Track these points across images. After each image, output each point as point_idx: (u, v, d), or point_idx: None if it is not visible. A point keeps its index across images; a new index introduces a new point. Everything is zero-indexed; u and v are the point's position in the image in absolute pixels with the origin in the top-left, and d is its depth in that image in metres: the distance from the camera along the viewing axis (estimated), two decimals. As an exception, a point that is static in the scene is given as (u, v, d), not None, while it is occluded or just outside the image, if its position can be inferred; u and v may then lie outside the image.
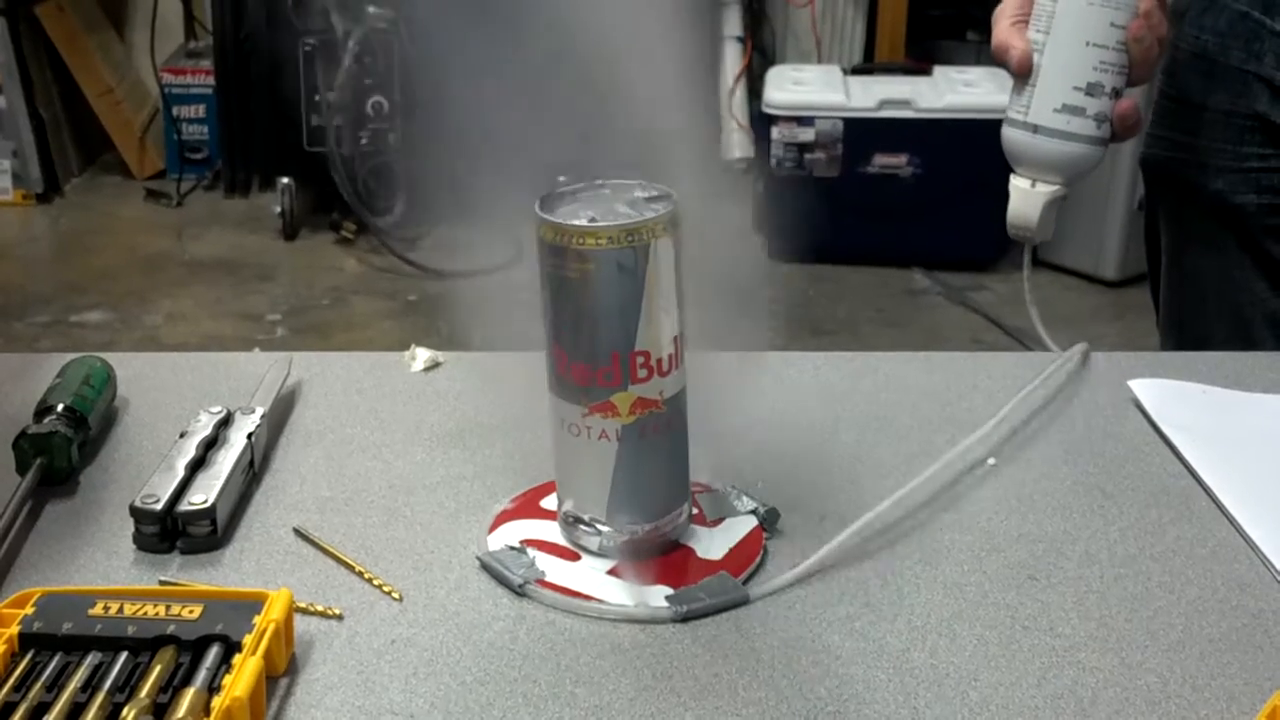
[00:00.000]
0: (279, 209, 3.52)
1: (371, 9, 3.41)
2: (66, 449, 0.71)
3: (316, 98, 3.42)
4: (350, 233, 3.49)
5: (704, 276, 0.64)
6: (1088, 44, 0.87)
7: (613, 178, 0.65)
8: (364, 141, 3.45)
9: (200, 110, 3.88)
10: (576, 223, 0.60)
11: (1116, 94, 0.88)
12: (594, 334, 0.61)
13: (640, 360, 0.61)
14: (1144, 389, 0.83)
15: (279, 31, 3.48)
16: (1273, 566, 0.66)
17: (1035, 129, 0.88)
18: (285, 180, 3.51)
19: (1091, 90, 0.87)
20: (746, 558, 0.66)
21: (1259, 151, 1.02)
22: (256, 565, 0.65)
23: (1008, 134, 0.90)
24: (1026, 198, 0.90)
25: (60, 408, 0.73)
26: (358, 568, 0.64)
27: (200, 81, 3.86)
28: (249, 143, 3.76)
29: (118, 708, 0.52)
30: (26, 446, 0.70)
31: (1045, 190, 0.89)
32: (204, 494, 0.67)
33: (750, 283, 0.73)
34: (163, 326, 3.08)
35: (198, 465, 0.69)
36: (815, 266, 3.45)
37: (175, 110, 3.88)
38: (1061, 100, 0.87)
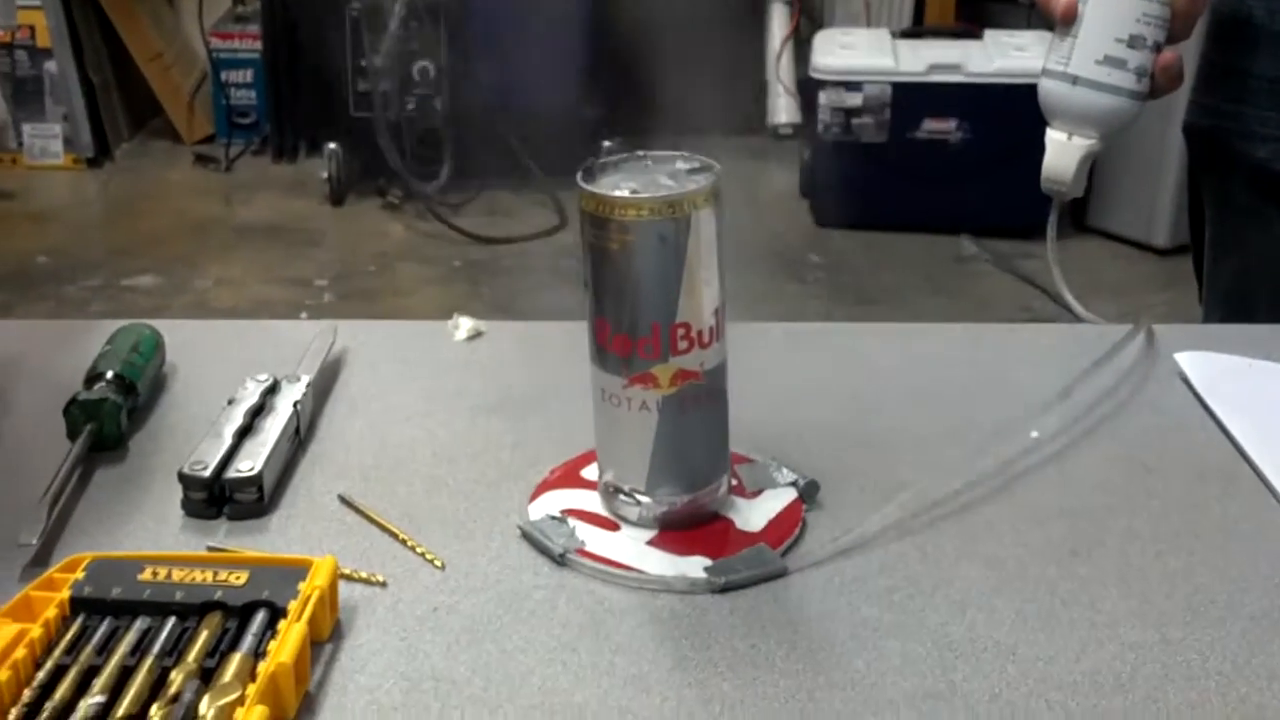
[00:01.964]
0: (326, 174, 3.54)
1: (418, -26, 3.41)
2: (116, 415, 0.72)
3: (363, 63, 3.44)
4: (396, 199, 3.51)
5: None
6: None
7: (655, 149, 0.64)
8: (410, 107, 3.47)
9: (248, 75, 3.91)
10: (618, 194, 0.60)
11: (1158, 48, 0.87)
12: (635, 305, 0.61)
13: (681, 332, 0.62)
14: (1190, 362, 0.82)
15: (326, -4, 3.49)
16: (1318, 543, 0.65)
17: (1075, 80, 0.87)
18: (332, 146, 3.52)
19: (1134, 43, 0.86)
20: (785, 530, 0.66)
21: None
22: (302, 532, 0.66)
23: (1046, 86, 0.89)
24: (1063, 150, 0.89)
25: (110, 375, 0.74)
26: (401, 535, 0.65)
27: (248, 46, 3.88)
28: (296, 108, 3.78)
29: (165, 671, 0.53)
30: (77, 413, 0.72)
31: (1082, 144, 0.88)
32: (251, 461, 0.68)
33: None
34: (211, 291, 3.11)
35: (245, 433, 0.70)
36: (862, 233, 3.44)
37: (223, 75, 3.91)
38: (1104, 52, 0.86)
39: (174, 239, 3.38)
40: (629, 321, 0.62)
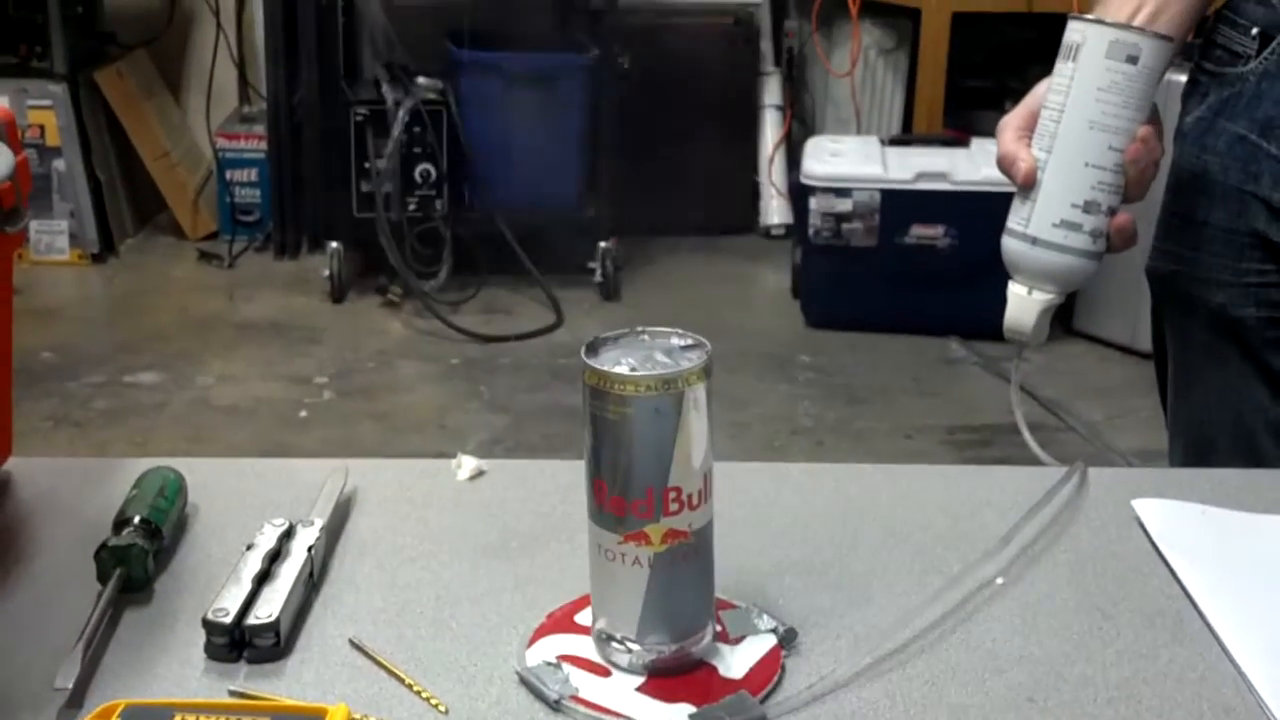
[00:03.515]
0: (327, 272, 3.61)
1: (421, 80, 3.52)
2: (144, 560, 0.77)
3: (366, 165, 3.53)
4: (396, 296, 3.58)
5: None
6: (1087, 165, 0.93)
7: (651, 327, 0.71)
8: (411, 207, 3.55)
9: (253, 174, 4.00)
10: (618, 370, 0.66)
11: (1112, 211, 0.94)
12: (630, 470, 0.67)
13: (672, 495, 0.67)
14: (1146, 509, 0.88)
15: (331, 100, 3.59)
16: (1256, 691, 0.70)
17: (1034, 241, 0.94)
18: (334, 244, 3.60)
19: (1088, 208, 0.93)
20: (765, 676, 0.71)
21: (1258, 268, 1.07)
22: (316, 676, 0.71)
23: (1007, 244, 0.96)
24: (1023, 304, 0.96)
25: (137, 520, 0.80)
26: (407, 680, 0.70)
27: (253, 147, 3.98)
28: (299, 207, 3.87)
29: (194, 816, 0.58)
30: (107, 558, 0.77)
31: (1041, 298, 0.95)
32: (269, 608, 0.73)
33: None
34: (214, 388, 3.17)
35: (263, 578, 0.76)
36: (852, 334, 3.51)
37: (228, 174, 3.99)
38: (1060, 216, 0.93)
39: (177, 335, 3.45)
40: (624, 484, 0.67)
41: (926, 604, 0.77)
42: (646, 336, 0.70)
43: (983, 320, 3.52)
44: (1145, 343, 3.75)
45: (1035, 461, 0.97)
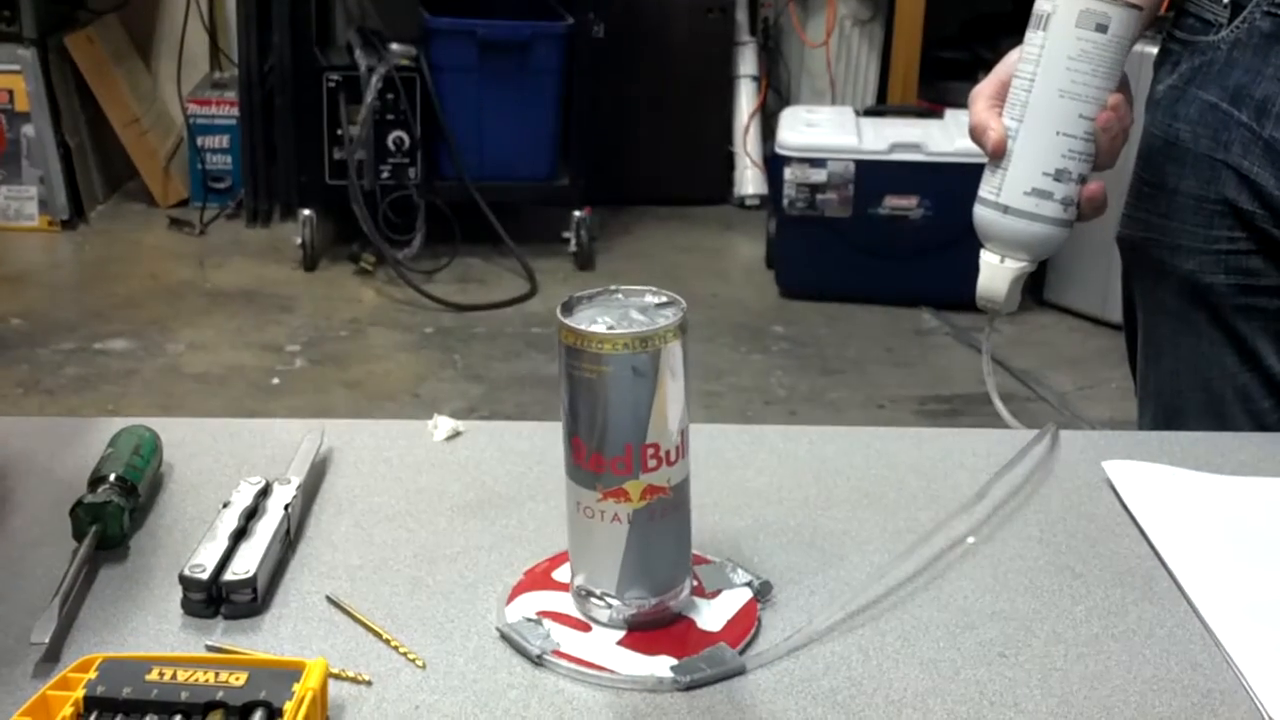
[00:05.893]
0: (300, 240, 3.59)
1: (395, 46, 3.49)
2: (119, 517, 0.77)
3: (339, 132, 3.51)
4: (369, 265, 3.57)
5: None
6: (1057, 133, 0.93)
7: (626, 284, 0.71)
8: (384, 175, 3.54)
9: (224, 141, 3.97)
10: (594, 329, 0.66)
11: (1083, 179, 0.95)
12: (608, 428, 0.68)
13: (650, 451, 0.68)
14: (1117, 470, 0.89)
15: (303, 66, 3.56)
16: (1223, 647, 0.71)
17: (1005, 209, 0.95)
18: (306, 212, 3.58)
19: (1059, 176, 0.94)
20: (743, 629, 0.72)
21: (1228, 235, 1.08)
22: (293, 631, 0.71)
23: (979, 213, 0.97)
24: (996, 272, 0.97)
25: (113, 477, 0.79)
26: (385, 635, 0.71)
27: (224, 112, 3.94)
28: (271, 174, 3.84)
29: (173, 767, 0.58)
30: (83, 515, 0.77)
31: (1013, 266, 0.96)
32: (246, 564, 0.73)
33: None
34: (184, 355, 3.15)
35: (240, 535, 0.76)
36: (826, 304, 3.52)
37: (199, 140, 3.96)
38: (1031, 184, 0.94)
39: (147, 302, 3.42)
40: (602, 442, 0.68)
41: (899, 561, 0.78)
42: (621, 295, 0.71)
43: (955, 291, 3.54)
44: (1115, 314, 3.79)
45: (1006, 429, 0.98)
